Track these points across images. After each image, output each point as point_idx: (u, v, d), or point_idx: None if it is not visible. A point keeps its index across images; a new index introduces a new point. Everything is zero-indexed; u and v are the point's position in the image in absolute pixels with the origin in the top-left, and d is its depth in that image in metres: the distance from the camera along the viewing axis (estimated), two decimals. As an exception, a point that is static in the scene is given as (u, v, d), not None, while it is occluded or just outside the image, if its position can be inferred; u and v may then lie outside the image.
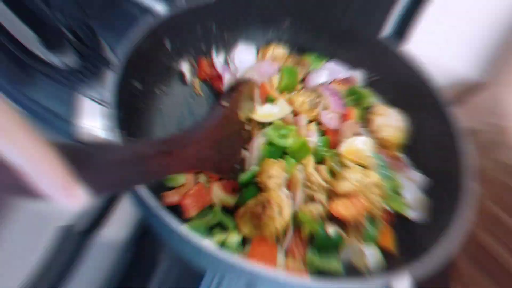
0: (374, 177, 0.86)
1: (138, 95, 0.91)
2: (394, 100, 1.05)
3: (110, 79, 0.74)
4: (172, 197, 0.81)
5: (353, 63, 1.11)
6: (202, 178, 0.83)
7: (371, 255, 0.84)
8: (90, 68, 1.02)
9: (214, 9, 1.02)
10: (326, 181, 0.86)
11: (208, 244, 0.58)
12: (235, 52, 1.05)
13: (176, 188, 0.85)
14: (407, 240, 0.86)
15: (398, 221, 0.91)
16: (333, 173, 0.88)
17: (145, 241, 0.84)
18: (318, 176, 0.85)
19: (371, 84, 1.10)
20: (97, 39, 1.09)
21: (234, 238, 0.77)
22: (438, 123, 0.94)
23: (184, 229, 0.58)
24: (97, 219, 0.80)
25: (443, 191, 0.86)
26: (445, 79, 1.55)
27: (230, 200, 0.82)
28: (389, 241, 0.85)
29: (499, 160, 1.16)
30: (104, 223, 0.81)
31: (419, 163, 0.97)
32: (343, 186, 0.83)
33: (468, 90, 1.50)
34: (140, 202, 0.59)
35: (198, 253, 0.60)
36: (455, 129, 0.89)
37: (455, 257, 1.22)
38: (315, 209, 0.81)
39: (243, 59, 1.05)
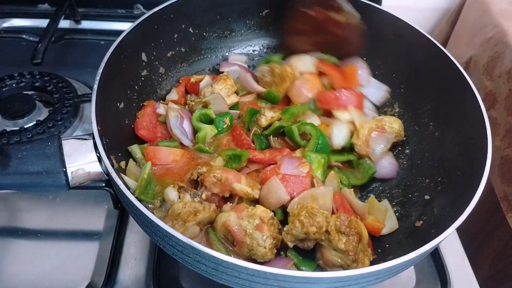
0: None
1: (123, 114, 0.87)
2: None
3: (91, 109, 0.73)
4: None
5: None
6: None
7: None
8: (62, 110, 1.00)
9: (183, 10, 0.99)
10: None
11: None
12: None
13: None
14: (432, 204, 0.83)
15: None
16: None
17: None
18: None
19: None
20: (63, 80, 1.08)
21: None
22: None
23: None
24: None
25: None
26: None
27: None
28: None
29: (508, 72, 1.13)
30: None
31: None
32: None
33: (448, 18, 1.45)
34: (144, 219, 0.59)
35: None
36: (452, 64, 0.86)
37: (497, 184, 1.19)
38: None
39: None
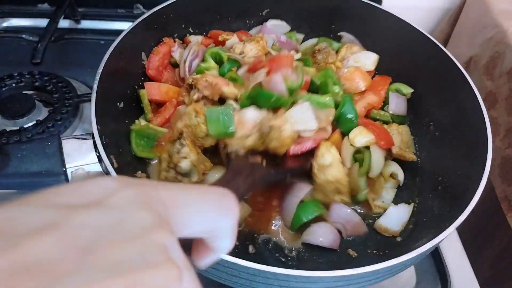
0: None
1: (123, 114, 0.87)
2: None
3: (91, 109, 0.73)
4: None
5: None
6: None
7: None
8: (62, 110, 1.00)
9: (183, 10, 0.99)
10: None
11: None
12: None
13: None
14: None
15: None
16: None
17: None
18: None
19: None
20: (63, 80, 1.07)
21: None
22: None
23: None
24: None
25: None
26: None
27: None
28: None
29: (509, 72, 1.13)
30: None
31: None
32: None
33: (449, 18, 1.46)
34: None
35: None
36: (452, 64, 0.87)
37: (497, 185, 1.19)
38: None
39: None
